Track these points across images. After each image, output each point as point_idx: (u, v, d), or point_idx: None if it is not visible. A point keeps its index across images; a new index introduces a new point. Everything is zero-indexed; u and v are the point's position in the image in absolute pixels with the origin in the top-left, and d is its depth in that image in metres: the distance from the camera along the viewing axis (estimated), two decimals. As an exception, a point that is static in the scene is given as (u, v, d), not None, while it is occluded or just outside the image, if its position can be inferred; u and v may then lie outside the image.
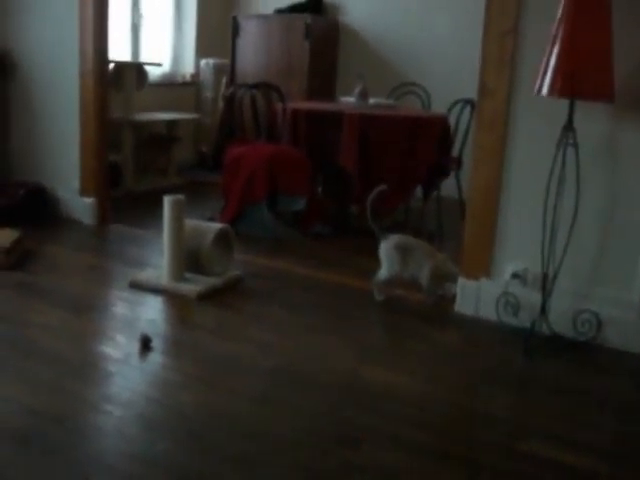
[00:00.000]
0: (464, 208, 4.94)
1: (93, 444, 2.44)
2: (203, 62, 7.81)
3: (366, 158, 5.12)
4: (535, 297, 3.51)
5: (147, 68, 6.79)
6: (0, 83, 5.40)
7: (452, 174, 5.61)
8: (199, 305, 3.73)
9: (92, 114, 5.10)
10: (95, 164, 5.16)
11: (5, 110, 5.49)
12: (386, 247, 3.92)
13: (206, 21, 7.87)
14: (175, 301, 3.78)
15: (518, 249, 3.63)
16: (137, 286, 3.91)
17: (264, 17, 7.46)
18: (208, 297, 3.81)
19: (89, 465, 2.29)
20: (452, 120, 5.50)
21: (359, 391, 2.89)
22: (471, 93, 5.02)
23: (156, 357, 3.12)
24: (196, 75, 7.85)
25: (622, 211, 3.38)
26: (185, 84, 7.81)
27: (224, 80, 7.66)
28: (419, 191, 5.71)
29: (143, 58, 7.32)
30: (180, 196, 3.85)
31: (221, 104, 7.54)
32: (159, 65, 7.19)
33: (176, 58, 7.84)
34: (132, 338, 3.24)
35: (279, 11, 7.47)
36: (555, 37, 3.05)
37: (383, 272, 3.91)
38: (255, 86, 5.88)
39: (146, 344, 3.15)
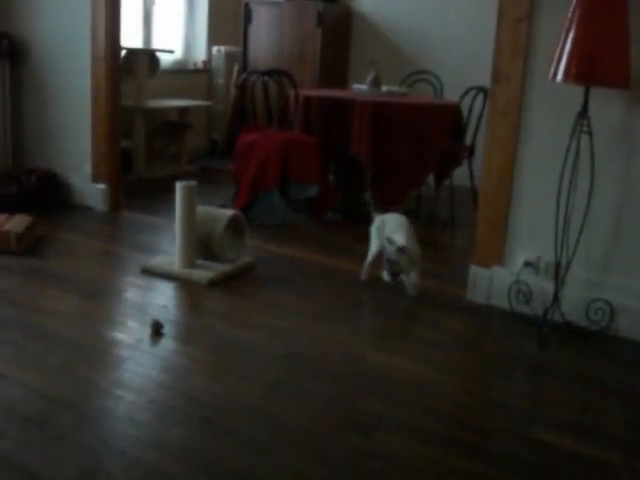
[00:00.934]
0: (476, 196, 4.94)
1: (105, 429, 2.45)
2: (215, 49, 7.79)
3: (378, 145, 5.10)
4: (548, 285, 3.49)
5: (159, 55, 6.78)
6: (12, 69, 5.40)
7: (464, 162, 5.58)
8: (210, 291, 3.73)
9: (104, 100, 5.10)
10: (107, 150, 5.16)
11: (17, 96, 5.48)
12: (371, 226, 4.00)
13: (218, 8, 7.84)
14: (186, 287, 3.78)
15: (531, 237, 3.61)
16: (149, 272, 3.91)
17: (276, 4, 7.43)
18: (219, 283, 3.81)
19: (101, 450, 2.29)
20: (464, 108, 5.47)
21: (371, 378, 2.88)
22: (484, 81, 4.99)
23: (167, 343, 3.12)
24: (208, 62, 7.84)
25: (636, 199, 3.35)
26: (197, 71, 7.79)
27: (236, 67, 7.64)
28: (431, 179, 5.68)
29: (155, 45, 7.31)
30: (192, 182, 3.85)
31: (233, 91, 7.52)
32: (171, 52, 7.17)
33: (188, 45, 7.82)
34: (143, 324, 3.24)
35: (291, -3, 7.45)
36: (570, 22, 3.03)
37: (369, 251, 3.97)
38: (267, 73, 5.86)
39: (157, 330, 3.15)
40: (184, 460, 2.25)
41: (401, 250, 3.67)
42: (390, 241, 3.70)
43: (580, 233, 3.32)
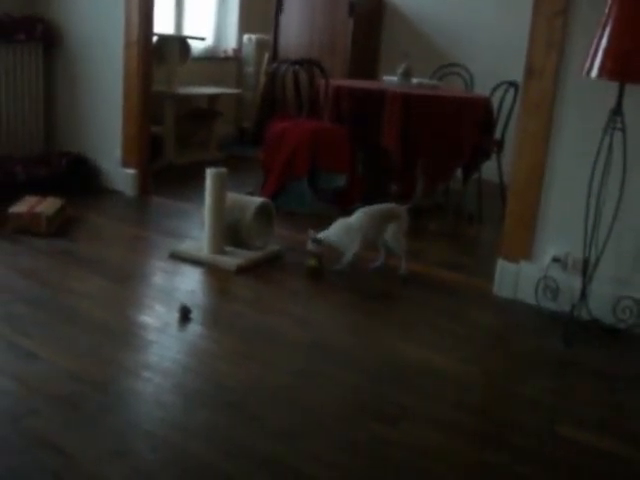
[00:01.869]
0: (504, 191, 4.92)
1: (132, 410, 2.49)
2: (246, 37, 7.80)
3: (408, 137, 5.10)
4: (575, 282, 3.48)
5: (190, 42, 6.80)
6: (45, 54, 5.44)
7: (493, 157, 5.56)
8: (238, 278, 3.75)
9: (135, 86, 5.13)
10: (137, 136, 5.20)
11: (50, 81, 5.53)
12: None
13: (250, -4, 7.86)
14: (214, 273, 3.80)
15: (560, 233, 3.60)
16: (177, 257, 3.94)
17: (308, -7, 7.43)
18: (247, 270, 3.83)
19: (129, 430, 2.33)
20: (495, 102, 5.45)
21: (397, 368, 2.89)
22: (515, 75, 4.99)
23: (195, 327, 3.14)
24: (238, 50, 7.85)
25: (668, 198, 3.34)
26: (227, 59, 7.80)
27: (266, 56, 7.65)
28: (459, 173, 5.67)
29: (186, 32, 7.34)
30: (222, 169, 3.87)
31: (263, 79, 7.53)
32: (202, 39, 7.19)
33: (219, 33, 7.83)
34: (171, 308, 3.27)
35: (324, -13, 7.43)
36: (607, 18, 3.00)
37: None
38: (298, 62, 5.86)
39: (185, 314, 3.17)
40: (210, 443, 2.28)
41: (316, 241, 3.80)
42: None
43: (610, 230, 3.30)
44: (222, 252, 3.91)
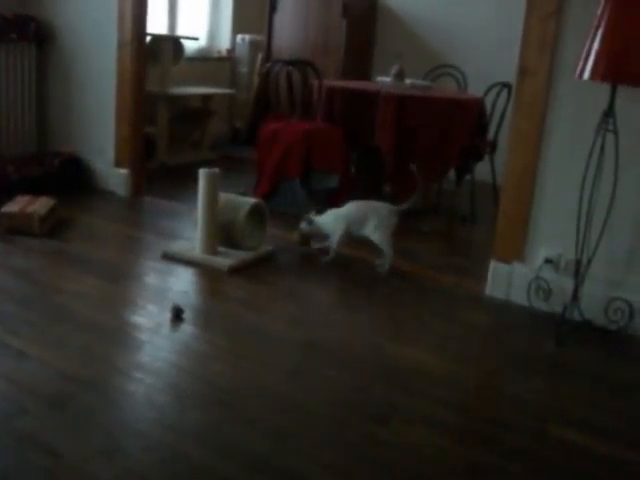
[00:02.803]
0: (497, 192, 4.93)
1: (124, 410, 2.48)
2: (239, 37, 7.80)
3: (400, 138, 5.10)
4: (567, 283, 3.49)
5: (184, 42, 6.80)
6: (38, 53, 5.43)
7: (486, 158, 5.57)
8: (231, 278, 3.75)
9: (129, 86, 5.12)
10: (130, 136, 5.19)
11: (42, 80, 5.52)
12: None
13: (243, -4, 7.86)
14: (207, 274, 3.80)
15: (552, 234, 3.61)
16: (170, 257, 3.93)
17: (302, -6, 7.44)
18: (240, 271, 3.83)
19: (120, 431, 2.32)
20: (488, 103, 5.46)
21: (389, 368, 2.89)
22: (508, 77, 5.01)
23: (187, 328, 3.14)
24: (232, 50, 7.85)
25: (660, 199, 3.35)
26: (221, 59, 7.81)
27: (260, 56, 7.65)
28: (452, 174, 5.68)
29: (180, 32, 7.33)
30: (215, 169, 3.87)
31: (256, 80, 7.53)
32: (196, 39, 7.19)
33: (212, 33, 7.84)
34: (163, 308, 3.27)
35: (317, -12, 7.44)
36: (600, 20, 3.01)
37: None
38: (291, 63, 5.87)
39: (178, 315, 3.17)
40: (202, 443, 2.28)
41: (308, 221, 4.16)
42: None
43: (602, 232, 3.31)
44: (215, 252, 3.91)
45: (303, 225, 4.18)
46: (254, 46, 7.74)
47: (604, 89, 3.18)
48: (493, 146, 5.54)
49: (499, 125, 5.47)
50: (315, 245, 4.27)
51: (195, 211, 3.94)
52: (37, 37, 5.34)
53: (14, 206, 4.22)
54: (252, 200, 4.08)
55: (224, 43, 7.84)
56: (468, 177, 5.56)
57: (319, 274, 3.94)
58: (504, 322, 3.54)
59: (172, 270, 3.82)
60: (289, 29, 7.40)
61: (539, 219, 3.64)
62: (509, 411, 2.68)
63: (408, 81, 5.76)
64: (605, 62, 3.00)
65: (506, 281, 3.75)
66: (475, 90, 5.93)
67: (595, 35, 3.02)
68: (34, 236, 4.10)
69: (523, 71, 3.58)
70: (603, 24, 2.99)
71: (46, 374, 2.62)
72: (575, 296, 3.41)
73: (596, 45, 3.01)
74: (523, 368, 3.04)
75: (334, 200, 5.21)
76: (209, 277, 3.78)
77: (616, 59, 2.98)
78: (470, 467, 2.30)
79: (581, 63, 3.09)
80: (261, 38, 7.66)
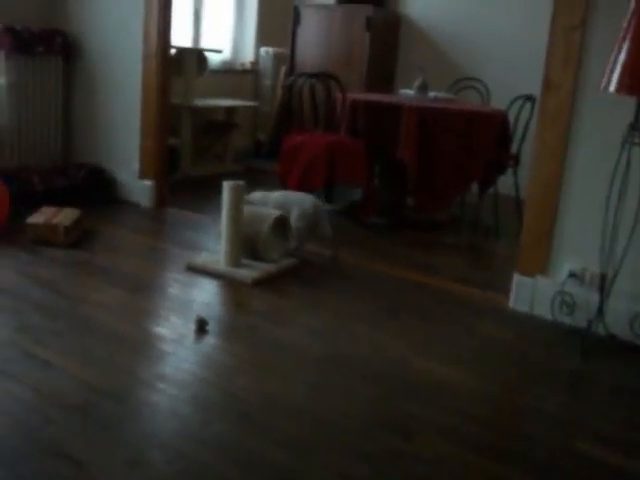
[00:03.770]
0: (520, 205, 4.91)
1: (147, 421, 2.49)
2: (263, 50, 7.84)
3: (424, 151, 5.10)
4: (592, 297, 3.46)
5: (207, 54, 6.84)
6: (64, 66, 5.49)
7: (509, 171, 5.55)
8: (254, 290, 3.76)
9: (153, 98, 5.16)
10: (155, 148, 5.22)
11: (68, 92, 5.57)
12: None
13: (267, 9, 7.88)
14: (231, 286, 3.81)
15: (576, 248, 3.59)
16: (193, 269, 3.95)
17: (325, 7, 7.46)
18: (263, 283, 3.83)
19: (144, 441, 2.33)
20: (512, 116, 5.44)
21: (411, 381, 2.88)
22: (531, 89, 4.99)
23: (210, 340, 3.15)
24: (255, 63, 7.88)
25: (686, 213, 3.32)
26: (244, 71, 7.84)
27: (283, 69, 7.68)
28: (475, 186, 5.66)
29: (204, 44, 7.38)
30: (240, 182, 3.88)
31: (280, 92, 7.56)
32: (219, 52, 7.23)
33: (236, 45, 7.87)
34: (187, 320, 3.28)
35: (341, 1, 7.46)
36: (626, 32, 2.99)
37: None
38: (315, 75, 5.88)
39: (202, 327, 3.18)
40: (225, 455, 2.28)
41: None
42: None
43: (627, 245, 3.29)
44: (239, 265, 3.92)
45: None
46: (278, 59, 7.77)
47: (630, 102, 3.17)
48: (516, 159, 5.52)
49: (522, 138, 5.45)
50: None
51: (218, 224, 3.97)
52: (63, 50, 5.39)
53: (40, 217, 4.26)
54: (276, 212, 4.09)
55: (248, 56, 7.87)
56: (491, 190, 5.54)
57: (343, 287, 3.93)
58: (528, 336, 3.52)
59: (196, 282, 3.84)
60: (313, 42, 7.43)
61: (563, 232, 3.62)
62: (533, 426, 2.66)
63: (431, 94, 5.76)
64: (631, 75, 2.98)
65: (530, 295, 3.73)
66: (498, 103, 5.92)
67: (621, 48, 3.01)
68: (59, 247, 4.13)
69: (548, 84, 3.57)
70: (629, 36, 2.97)
71: (71, 384, 2.64)
72: (600, 310, 3.39)
73: (622, 57, 2.99)
74: (547, 382, 3.02)
75: (357, 213, 5.24)
76: (233, 289, 3.79)
77: (642, 72, 2.97)
78: (494, 482, 2.29)
79: (606, 76, 3.07)
80: (285, 51, 7.69)
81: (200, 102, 6.66)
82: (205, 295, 3.73)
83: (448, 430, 2.54)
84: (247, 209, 3.99)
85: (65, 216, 4.30)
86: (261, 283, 3.82)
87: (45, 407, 2.47)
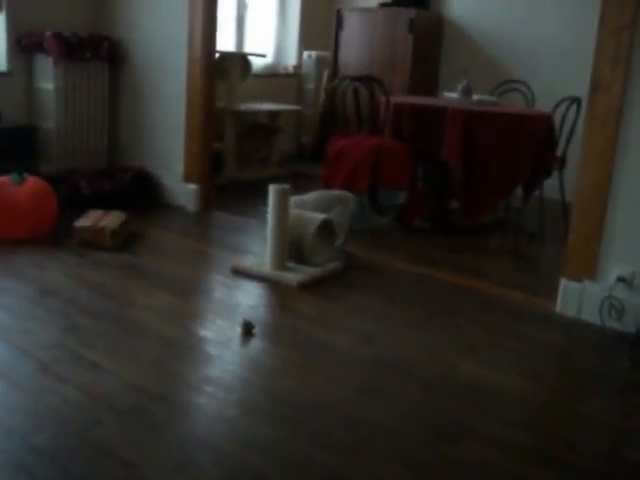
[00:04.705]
0: (566, 209, 4.86)
1: (195, 424, 2.50)
2: (306, 54, 7.86)
3: (468, 154, 5.07)
4: (642, 302, 3.42)
5: (251, 58, 6.86)
6: (110, 71, 5.56)
7: (555, 174, 5.49)
8: (300, 294, 3.76)
9: (198, 102, 5.20)
10: (199, 152, 5.26)
11: (114, 97, 5.64)
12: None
13: (310, 13, 7.91)
14: (276, 289, 3.82)
15: (625, 252, 3.54)
16: (239, 272, 3.97)
17: (368, 10, 7.45)
18: (309, 286, 3.84)
19: (191, 444, 2.34)
20: (557, 118, 5.38)
21: (458, 386, 2.87)
22: (577, 91, 4.94)
23: (256, 343, 3.16)
24: (298, 67, 7.90)
25: None
26: (288, 75, 7.86)
27: (326, 72, 7.69)
28: (520, 190, 5.62)
29: (247, 49, 7.41)
30: (285, 185, 3.89)
31: (323, 96, 7.57)
32: (263, 56, 7.26)
33: (279, 49, 7.90)
34: (233, 323, 3.29)
35: (383, 4, 7.45)
36: (677, 34, 2.96)
37: None
38: (358, 79, 5.88)
39: (249, 330, 3.19)
40: (272, 458, 2.28)
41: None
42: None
43: (678, 249, 3.24)
44: (284, 268, 3.93)
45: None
46: (320, 62, 7.79)
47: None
48: (562, 162, 5.47)
49: (568, 141, 5.39)
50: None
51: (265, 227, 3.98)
52: (110, 56, 5.46)
53: (87, 220, 4.31)
54: (321, 216, 4.09)
55: (291, 59, 7.90)
56: (537, 193, 5.49)
57: (388, 291, 3.92)
58: (575, 341, 3.48)
59: (241, 285, 3.85)
60: (355, 45, 7.43)
61: (611, 236, 3.58)
62: (581, 432, 2.63)
63: (475, 97, 5.73)
64: (682, 76, 2.94)
65: (577, 299, 3.68)
66: (543, 105, 5.86)
67: (672, 49, 2.97)
68: (106, 250, 4.18)
69: (596, 85, 3.53)
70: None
71: (119, 386, 2.66)
72: (650, 315, 3.35)
73: (673, 59, 2.96)
74: (596, 388, 2.99)
75: (402, 216, 5.23)
76: (278, 293, 3.80)
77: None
78: (544, 488, 2.27)
79: (657, 78, 3.03)
80: (327, 54, 7.70)
81: (244, 106, 6.69)
82: (251, 298, 3.74)
83: (494, 435, 2.52)
84: (292, 212, 4.00)
85: (111, 219, 4.35)
86: (307, 286, 3.83)
87: (94, 408, 2.50)
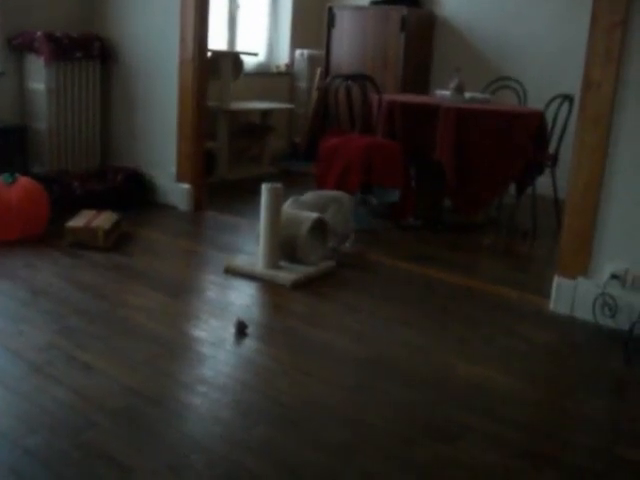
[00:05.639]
0: (559, 206, 4.86)
1: (190, 425, 2.49)
2: (298, 52, 7.84)
3: (461, 152, 5.07)
4: (635, 299, 3.42)
5: (243, 57, 6.85)
6: (102, 71, 5.54)
7: (547, 171, 5.49)
8: (293, 293, 3.76)
9: (190, 102, 5.18)
10: (192, 151, 5.25)
11: (106, 97, 5.62)
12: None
13: (301, 12, 7.89)
14: (269, 288, 3.81)
15: (618, 249, 3.54)
16: (232, 272, 3.96)
17: (360, 8, 7.44)
18: (302, 286, 3.83)
19: (185, 445, 2.33)
20: (549, 116, 5.38)
21: (453, 386, 2.86)
22: (569, 88, 4.94)
23: (250, 343, 3.15)
24: (290, 65, 7.89)
25: None
26: (280, 74, 7.85)
27: (318, 71, 7.67)
28: (512, 187, 5.62)
29: (239, 48, 7.40)
30: (278, 184, 3.88)
31: (315, 94, 7.56)
32: (255, 55, 7.24)
33: (271, 48, 7.89)
34: (226, 323, 3.29)
35: (375, 2, 7.44)
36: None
37: None
38: (350, 77, 5.87)
39: (242, 330, 3.18)
40: (267, 459, 2.28)
41: None
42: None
43: (671, 246, 3.25)
44: (277, 267, 3.92)
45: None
46: (313, 61, 7.77)
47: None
48: (554, 159, 5.47)
49: (560, 138, 5.39)
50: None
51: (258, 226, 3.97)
52: (101, 55, 5.44)
53: (79, 220, 4.30)
54: (314, 215, 4.08)
55: (283, 58, 7.89)
56: (529, 190, 5.49)
57: (382, 289, 3.92)
58: (569, 339, 3.48)
59: (234, 285, 3.84)
60: (347, 43, 7.41)
61: (605, 234, 3.58)
62: (576, 431, 2.63)
63: (467, 94, 5.72)
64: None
65: (570, 297, 3.68)
66: (535, 102, 5.86)
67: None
68: (98, 250, 4.16)
69: (588, 83, 3.52)
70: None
71: (112, 387, 2.65)
72: (643, 312, 3.35)
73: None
74: (590, 386, 2.99)
75: (395, 215, 5.22)
76: (272, 292, 3.79)
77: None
78: (539, 487, 2.27)
79: (649, 75, 3.03)
80: (320, 53, 7.68)
81: (236, 105, 6.67)
82: (244, 298, 3.73)
83: (491, 435, 2.51)
84: (285, 211, 3.99)
85: (104, 219, 4.34)
86: (300, 286, 3.82)
87: (87, 410, 2.49)
